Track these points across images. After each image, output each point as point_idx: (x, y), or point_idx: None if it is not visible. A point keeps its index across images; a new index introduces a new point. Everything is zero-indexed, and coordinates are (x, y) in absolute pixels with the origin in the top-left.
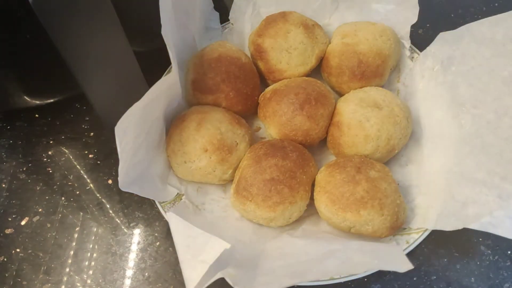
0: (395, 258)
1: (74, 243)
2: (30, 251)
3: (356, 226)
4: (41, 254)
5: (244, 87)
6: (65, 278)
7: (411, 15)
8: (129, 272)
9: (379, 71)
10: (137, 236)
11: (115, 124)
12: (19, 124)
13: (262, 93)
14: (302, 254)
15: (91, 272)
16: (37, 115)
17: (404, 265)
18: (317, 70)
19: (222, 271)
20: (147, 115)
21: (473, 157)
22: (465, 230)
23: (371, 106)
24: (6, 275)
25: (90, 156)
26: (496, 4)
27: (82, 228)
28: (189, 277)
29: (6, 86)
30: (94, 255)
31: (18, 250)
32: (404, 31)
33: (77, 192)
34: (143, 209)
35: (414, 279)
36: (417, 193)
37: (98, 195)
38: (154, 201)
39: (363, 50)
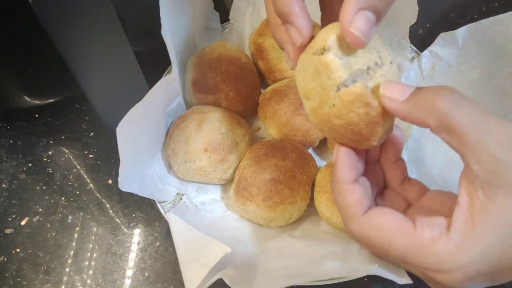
0: (394, 269)
1: (74, 243)
2: (30, 251)
3: None
4: (41, 254)
5: (244, 87)
6: (65, 278)
7: (411, 15)
8: (129, 272)
9: None
10: (137, 236)
11: (115, 124)
12: (19, 124)
13: (262, 93)
14: (302, 256)
15: (91, 272)
16: (37, 115)
17: (402, 278)
18: None
19: (221, 272)
20: (148, 116)
21: None
22: None
23: None
24: (6, 275)
25: (90, 156)
26: (496, 4)
27: (82, 228)
28: (189, 279)
29: (6, 86)
30: (94, 255)
31: (18, 250)
32: (404, 32)
33: (77, 192)
34: (143, 209)
35: (415, 278)
36: None
37: (98, 195)
38: (154, 201)
39: None
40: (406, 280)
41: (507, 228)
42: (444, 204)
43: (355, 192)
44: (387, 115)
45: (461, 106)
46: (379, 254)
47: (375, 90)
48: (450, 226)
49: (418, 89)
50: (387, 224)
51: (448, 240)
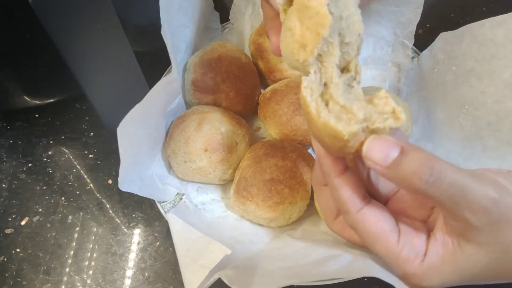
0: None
1: (74, 243)
2: (30, 251)
3: None
4: (41, 254)
5: (244, 87)
6: (65, 278)
7: (414, 15)
8: (129, 272)
9: None
10: (137, 236)
11: (115, 124)
12: (19, 124)
13: (262, 93)
14: (302, 257)
15: (91, 272)
16: (37, 115)
17: (400, 284)
18: None
19: (219, 272)
20: (148, 116)
21: (474, 160)
22: None
23: None
24: (6, 275)
25: (90, 156)
26: (496, 5)
27: (82, 228)
28: (188, 280)
29: (6, 86)
30: (94, 255)
31: (18, 250)
32: (408, 31)
33: (77, 192)
34: (143, 209)
35: None
36: None
37: (98, 195)
38: (154, 201)
39: None
40: (404, 286)
41: (468, 271)
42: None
43: (346, 186)
44: (360, 152)
45: (439, 184)
46: (363, 243)
47: (365, 131)
48: (425, 256)
49: (399, 159)
50: (376, 231)
51: (419, 267)
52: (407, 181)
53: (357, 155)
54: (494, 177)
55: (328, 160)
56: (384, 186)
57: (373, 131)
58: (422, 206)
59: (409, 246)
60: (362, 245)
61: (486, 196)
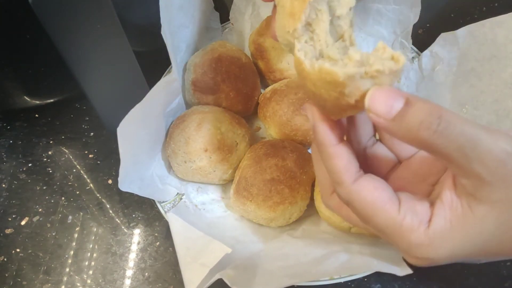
0: (394, 262)
1: (74, 243)
2: (30, 251)
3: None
4: (41, 254)
5: (244, 87)
6: (65, 278)
7: (413, 14)
8: (129, 272)
9: None
10: (137, 236)
11: (115, 124)
12: (19, 124)
13: (262, 93)
14: (302, 255)
15: (91, 272)
16: (37, 115)
17: (402, 270)
18: None
19: (221, 272)
20: (148, 116)
21: None
22: None
23: None
24: (6, 275)
25: (90, 156)
26: (496, 5)
27: (82, 228)
28: (189, 279)
29: (6, 86)
30: (94, 255)
31: (18, 250)
32: (406, 31)
33: (77, 192)
34: (143, 209)
35: (414, 279)
36: None
37: (98, 195)
38: (154, 201)
39: None
40: (406, 271)
41: (479, 236)
42: (432, 169)
43: (342, 156)
44: (359, 108)
45: (447, 133)
46: (359, 218)
47: (362, 80)
48: (431, 222)
49: (405, 110)
50: (373, 200)
51: (425, 234)
52: (413, 132)
53: (352, 123)
54: None
55: (324, 126)
56: (381, 163)
57: (373, 77)
58: (424, 181)
59: (411, 214)
60: (358, 223)
61: (498, 147)
